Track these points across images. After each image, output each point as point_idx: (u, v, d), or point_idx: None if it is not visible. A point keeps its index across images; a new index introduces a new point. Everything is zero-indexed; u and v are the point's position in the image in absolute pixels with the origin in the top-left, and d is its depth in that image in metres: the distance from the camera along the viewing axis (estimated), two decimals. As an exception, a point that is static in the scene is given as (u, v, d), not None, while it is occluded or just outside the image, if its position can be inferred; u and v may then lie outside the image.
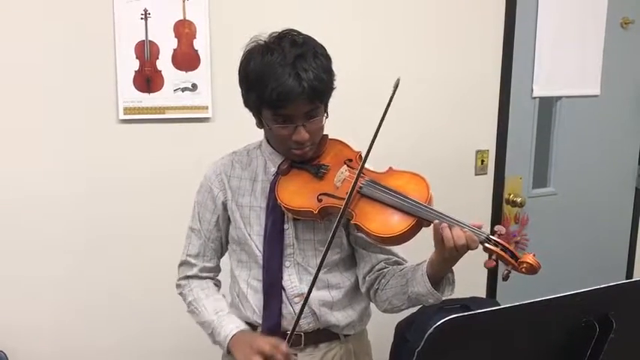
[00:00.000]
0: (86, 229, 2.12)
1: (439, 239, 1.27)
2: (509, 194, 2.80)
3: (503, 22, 2.63)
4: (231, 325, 1.48)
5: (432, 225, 1.28)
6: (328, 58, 1.39)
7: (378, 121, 1.32)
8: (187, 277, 1.58)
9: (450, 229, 1.25)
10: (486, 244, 1.27)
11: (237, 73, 1.41)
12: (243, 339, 1.44)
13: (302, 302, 1.38)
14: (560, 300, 0.96)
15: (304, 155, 1.43)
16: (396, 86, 1.33)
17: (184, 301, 1.59)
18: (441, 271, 1.34)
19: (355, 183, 1.34)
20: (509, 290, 2.82)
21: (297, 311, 1.47)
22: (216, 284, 1.62)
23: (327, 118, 1.43)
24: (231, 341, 1.45)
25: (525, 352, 1.03)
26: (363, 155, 1.46)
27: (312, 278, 1.47)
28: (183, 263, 1.59)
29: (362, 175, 1.39)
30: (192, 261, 1.57)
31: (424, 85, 2.52)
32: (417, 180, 1.39)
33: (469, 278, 2.58)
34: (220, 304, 1.55)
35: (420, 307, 2.31)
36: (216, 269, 1.62)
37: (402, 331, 2.38)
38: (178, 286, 1.60)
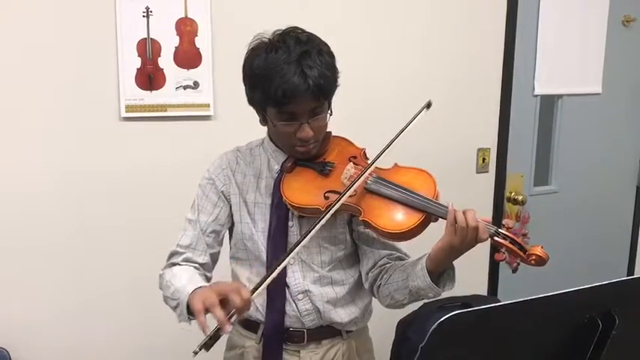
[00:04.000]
0: (87, 226, 2.12)
1: (452, 221, 1.27)
2: (511, 192, 2.80)
3: (504, 20, 2.63)
4: (200, 283, 1.34)
5: (449, 208, 1.28)
6: (332, 56, 1.39)
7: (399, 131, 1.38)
8: (172, 264, 1.49)
9: (465, 212, 1.26)
10: (495, 238, 1.28)
11: (242, 70, 1.41)
12: (205, 288, 1.29)
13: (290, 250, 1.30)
14: (564, 296, 0.96)
15: (308, 152, 1.43)
16: (427, 106, 1.40)
17: (162, 288, 1.45)
18: (442, 263, 1.34)
19: (360, 177, 1.34)
20: (511, 288, 2.83)
21: (301, 308, 1.48)
22: (202, 275, 1.47)
23: (331, 115, 1.43)
24: (192, 294, 1.29)
25: (528, 349, 1.04)
26: (367, 152, 1.47)
27: (317, 275, 1.49)
28: (171, 254, 1.51)
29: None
30: (181, 250, 1.49)
31: (426, 83, 2.52)
32: (424, 176, 1.40)
33: (471, 276, 2.60)
34: (196, 278, 1.40)
35: (421, 305, 2.33)
36: (205, 267, 1.51)
37: (403, 329, 2.39)
38: (161, 276, 1.48)
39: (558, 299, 0.96)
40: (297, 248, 1.30)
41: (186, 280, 1.38)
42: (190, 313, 1.31)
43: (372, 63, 2.41)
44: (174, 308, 1.39)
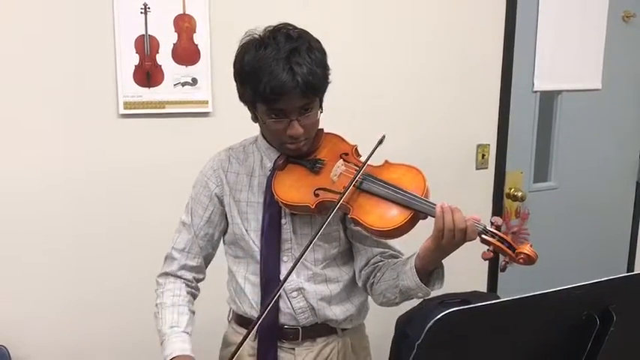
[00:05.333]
0: (86, 223, 2.12)
1: (440, 223, 1.26)
2: (510, 189, 2.79)
3: (504, 15, 2.63)
4: (176, 345, 1.41)
5: (436, 209, 1.27)
6: (323, 52, 1.38)
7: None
8: (166, 274, 1.54)
9: (453, 213, 1.25)
10: (483, 236, 1.27)
11: (232, 67, 1.41)
12: None
13: (279, 290, 1.35)
14: (561, 293, 0.96)
15: (299, 150, 1.42)
16: (380, 142, 1.38)
17: (155, 298, 1.54)
18: (431, 263, 1.33)
19: (353, 180, 1.35)
20: (510, 284, 2.83)
21: (295, 305, 1.48)
22: (190, 292, 1.55)
23: (321, 112, 1.42)
24: None
25: (525, 346, 1.03)
26: (359, 149, 1.46)
27: (311, 273, 1.49)
28: (167, 257, 1.56)
29: (357, 168, 1.40)
30: (176, 255, 1.53)
31: (425, 79, 2.51)
32: (414, 173, 1.38)
33: (470, 273, 2.59)
34: (180, 319, 1.47)
35: (420, 302, 2.33)
36: (198, 269, 1.56)
37: (403, 326, 2.39)
38: (157, 282, 1.56)
39: (556, 296, 0.96)
40: (290, 275, 1.34)
41: (168, 323, 1.46)
42: None
43: (370, 60, 2.40)
44: (160, 343, 1.46)
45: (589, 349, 1.04)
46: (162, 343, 1.44)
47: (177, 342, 1.42)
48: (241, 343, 1.29)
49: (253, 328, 1.31)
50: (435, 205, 1.29)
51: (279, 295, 1.47)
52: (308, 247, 1.32)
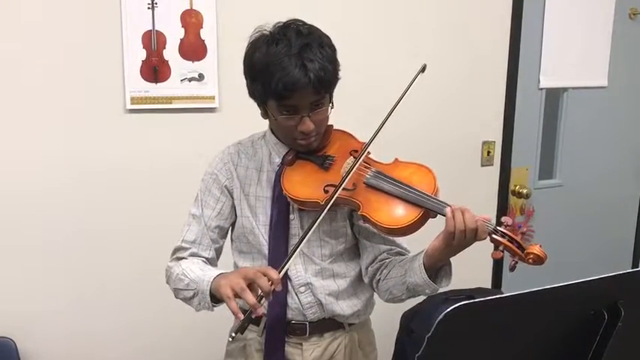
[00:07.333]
0: (92, 218, 2.13)
1: (451, 224, 1.26)
2: (515, 186, 2.79)
3: (510, 12, 2.62)
4: (217, 271, 1.39)
5: (446, 211, 1.28)
6: (333, 48, 1.39)
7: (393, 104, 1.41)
8: (178, 259, 1.51)
9: (463, 213, 1.26)
10: (493, 236, 1.28)
11: (242, 63, 1.41)
12: (228, 273, 1.36)
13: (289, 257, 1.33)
14: (570, 288, 0.96)
15: (309, 146, 1.43)
16: (422, 70, 1.42)
17: (170, 281, 1.49)
18: (440, 260, 1.34)
19: (353, 167, 1.35)
20: (515, 281, 2.81)
21: (303, 301, 1.49)
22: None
23: (332, 108, 1.42)
24: (215, 280, 1.34)
25: (533, 340, 1.04)
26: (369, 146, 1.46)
27: (318, 268, 1.49)
28: (177, 249, 1.52)
29: (368, 165, 1.40)
30: (187, 246, 1.50)
31: (430, 76, 2.49)
32: (424, 171, 1.39)
33: (474, 269, 2.60)
34: (209, 267, 1.45)
35: (425, 297, 2.33)
36: (211, 261, 1.53)
37: (407, 321, 2.39)
38: (167, 270, 1.50)
39: (564, 290, 0.96)
40: (314, 227, 1.33)
41: (200, 270, 1.42)
42: (214, 300, 1.36)
43: (377, 56, 2.40)
44: (190, 299, 1.43)
45: (597, 343, 1.04)
46: (195, 288, 1.39)
47: (216, 270, 1.40)
48: (245, 319, 1.28)
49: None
50: (445, 204, 1.29)
51: (287, 291, 1.47)
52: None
